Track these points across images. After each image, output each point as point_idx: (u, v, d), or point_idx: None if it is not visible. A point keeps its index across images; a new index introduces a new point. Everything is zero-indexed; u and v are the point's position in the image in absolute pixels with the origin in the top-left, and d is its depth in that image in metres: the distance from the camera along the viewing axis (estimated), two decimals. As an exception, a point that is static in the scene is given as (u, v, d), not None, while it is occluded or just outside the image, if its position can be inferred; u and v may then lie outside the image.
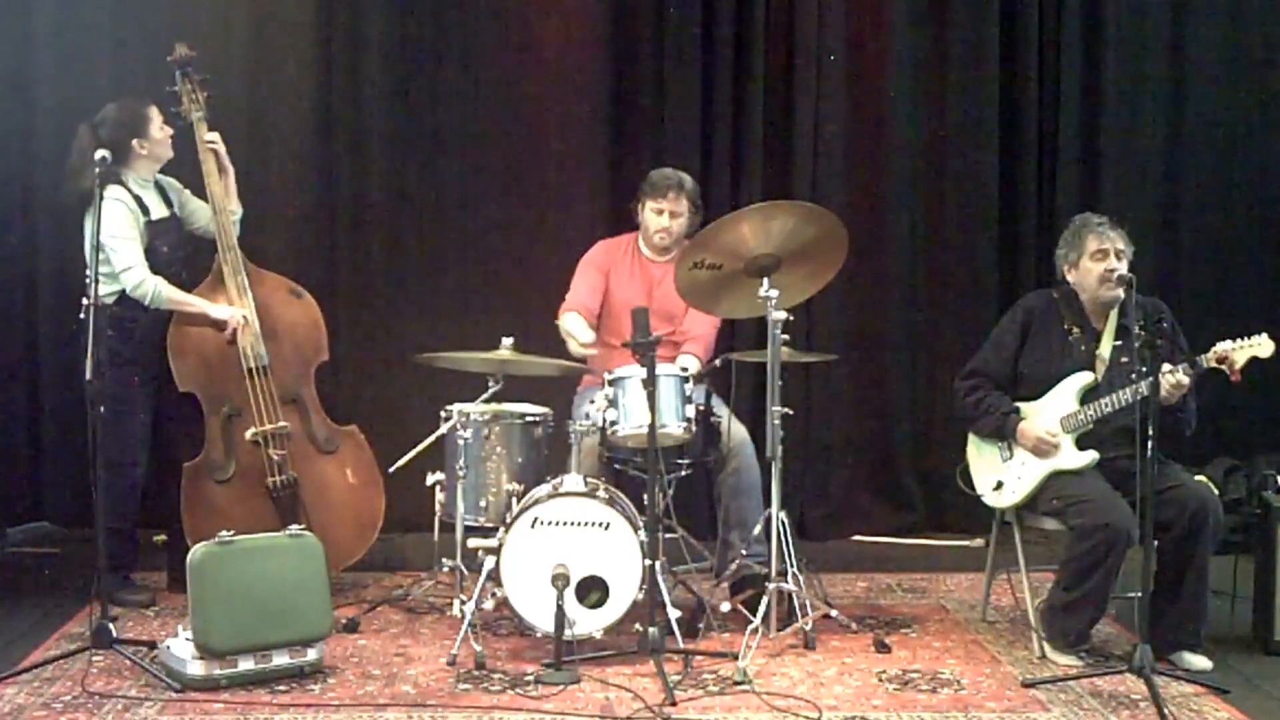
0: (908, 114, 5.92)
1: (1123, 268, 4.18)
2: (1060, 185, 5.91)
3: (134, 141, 4.62)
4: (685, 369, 4.45)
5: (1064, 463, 4.18)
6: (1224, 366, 3.97)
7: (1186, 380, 3.98)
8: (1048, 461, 4.19)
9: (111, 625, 3.89)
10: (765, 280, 4.19)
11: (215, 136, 4.76)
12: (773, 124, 5.82)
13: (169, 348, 4.62)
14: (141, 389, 4.64)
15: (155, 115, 4.67)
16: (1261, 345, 3.95)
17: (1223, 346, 3.98)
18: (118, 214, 4.50)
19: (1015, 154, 5.92)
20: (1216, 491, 5.45)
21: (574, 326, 4.74)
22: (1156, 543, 4.00)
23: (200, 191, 4.79)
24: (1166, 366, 3.97)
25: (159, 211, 4.71)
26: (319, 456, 4.79)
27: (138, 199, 4.63)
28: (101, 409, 3.86)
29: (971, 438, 4.45)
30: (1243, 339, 3.96)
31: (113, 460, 4.35)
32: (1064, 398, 4.23)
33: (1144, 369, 4.00)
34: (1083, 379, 4.23)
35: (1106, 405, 4.11)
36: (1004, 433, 4.29)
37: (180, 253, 4.74)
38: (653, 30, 5.78)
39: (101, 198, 4.05)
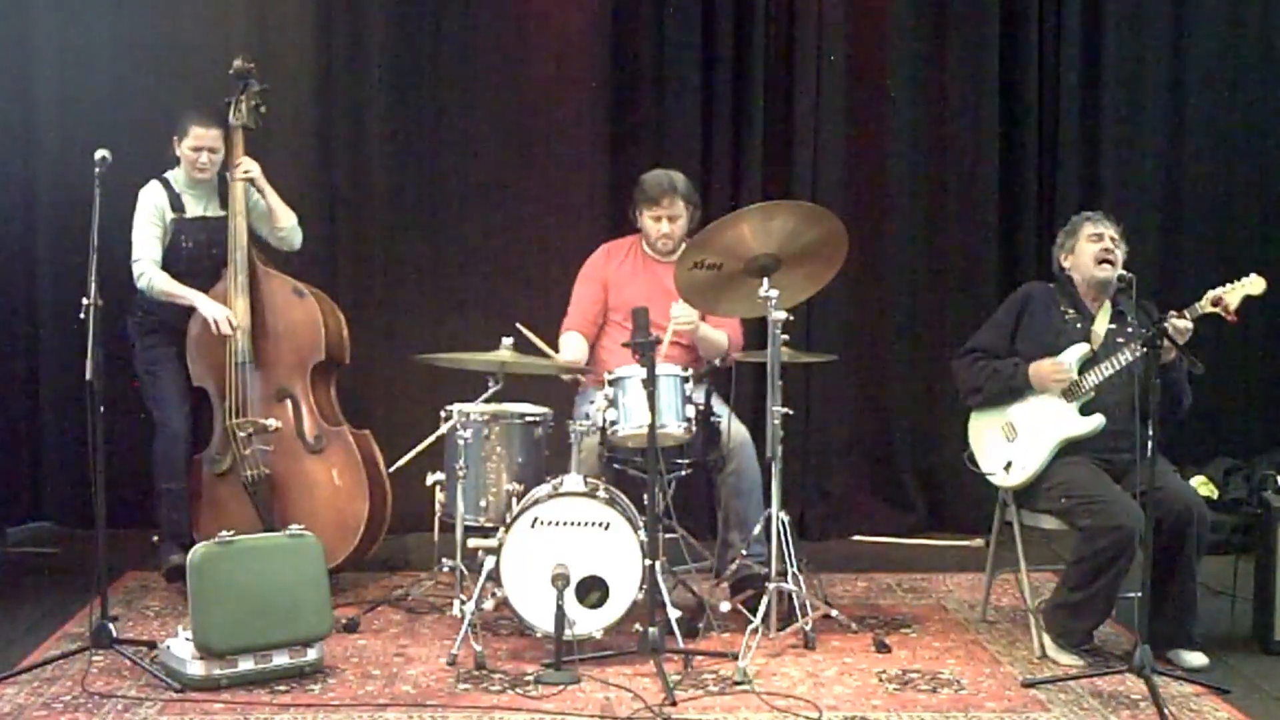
0: (908, 114, 5.92)
1: (1118, 254, 4.26)
2: (1060, 185, 5.91)
3: (174, 139, 4.81)
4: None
5: (1071, 429, 4.18)
6: (1219, 309, 4.02)
7: (1188, 324, 4.00)
8: (1056, 431, 4.19)
9: (111, 625, 3.89)
10: (765, 280, 4.19)
11: (246, 167, 4.81)
12: (773, 124, 5.82)
13: (188, 344, 4.81)
14: (172, 348, 4.83)
15: (193, 135, 4.75)
16: (1253, 283, 4.02)
17: (1216, 291, 4.03)
18: (140, 207, 4.77)
19: (1015, 154, 5.92)
20: (1215, 491, 5.48)
21: (566, 353, 4.74)
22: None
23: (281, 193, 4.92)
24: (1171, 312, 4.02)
25: (199, 210, 4.84)
26: (306, 456, 4.81)
27: (176, 196, 4.80)
28: (102, 408, 3.87)
29: (972, 426, 4.44)
30: (1233, 281, 4.03)
31: (155, 421, 4.77)
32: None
33: (1141, 346, 4.00)
34: (1080, 349, 4.26)
35: (1106, 368, 4.15)
36: (1016, 384, 4.27)
37: (217, 250, 4.82)
38: (653, 30, 5.78)
39: (98, 197, 4.06)
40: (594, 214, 5.70)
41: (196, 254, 4.81)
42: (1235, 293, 4.01)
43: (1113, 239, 4.30)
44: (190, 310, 4.76)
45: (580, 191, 5.80)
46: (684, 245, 4.63)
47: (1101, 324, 4.31)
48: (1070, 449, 4.20)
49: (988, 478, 4.37)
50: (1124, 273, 4.01)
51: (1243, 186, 6.02)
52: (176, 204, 4.80)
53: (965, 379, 4.42)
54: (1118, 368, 4.12)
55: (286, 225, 4.90)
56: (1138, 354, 4.02)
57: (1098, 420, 4.16)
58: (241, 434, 4.72)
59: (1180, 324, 3.99)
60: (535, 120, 5.80)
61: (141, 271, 4.72)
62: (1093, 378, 4.17)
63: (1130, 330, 4.25)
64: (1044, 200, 5.93)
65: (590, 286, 4.87)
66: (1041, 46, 5.88)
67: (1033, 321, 4.37)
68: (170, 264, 4.77)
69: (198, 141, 4.76)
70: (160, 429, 4.80)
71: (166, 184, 4.81)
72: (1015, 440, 4.30)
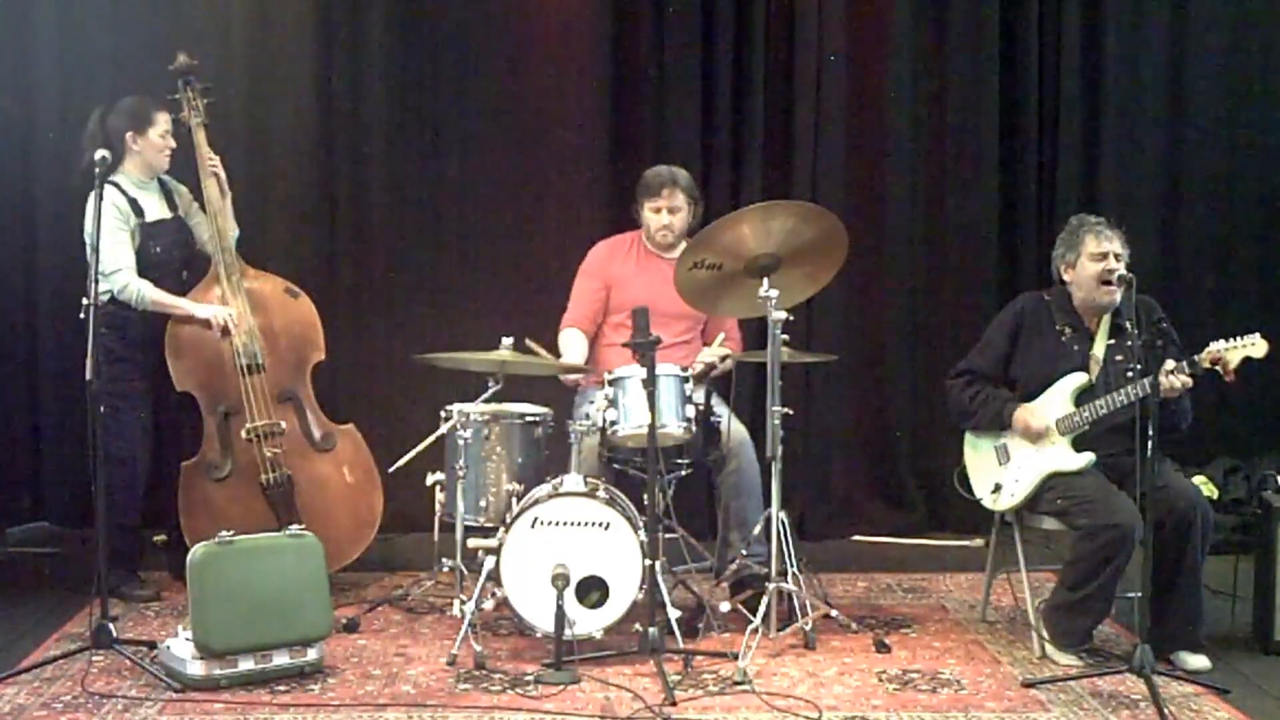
0: (908, 114, 5.92)
1: (1120, 269, 4.18)
2: (1060, 184, 5.91)
3: (129, 135, 4.65)
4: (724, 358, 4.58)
5: (1061, 464, 4.18)
6: (1218, 367, 3.97)
7: (1189, 382, 3.98)
8: (1045, 464, 4.19)
9: (111, 625, 3.89)
10: (765, 280, 4.19)
11: (216, 161, 4.77)
12: (773, 124, 5.82)
13: (166, 348, 4.65)
14: (139, 384, 4.67)
15: (162, 121, 4.68)
16: (1255, 345, 3.95)
17: (1216, 347, 3.97)
18: (106, 215, 4.43)
19: (1015, 153, 5.92)
20: (1215, 492, 5.48)
21: (567, 350, 4.73)
22: (1149, 541, 4.01)
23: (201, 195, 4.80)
24: (1169, 364, 3.97)
25: (156, 213, 4.73)
26: (315, 455, 4.79)
27: (133, 200, 4.65)
28: (101, 408, 3.87)
29: (967, 441, 4.45)
30: (1236, 339, 3.97)
31: (113, 456, 4.41)
32: (1059, 399, 4.23)
33: (1140, 368, 4.01)
34: (1077, 380, 4.23)
35: (1102, 406, 4.11)
36: (1003, 420, 4.27)
37: (178, 253, 4.75)
38: (653, 30, 5.78)
39: (100, 198, 4.05)
40: (594, 214, 5.69)
41: (165, 259, 4.68)
42: (1235, 353, 3.94)
43: (1117, 256, 4.21)
44: (165, 317, 4.61)
45: (580, 191, 5.80)
46: (684, 245, 4.64)
47: (1100, 343, 4.28)
48: None
49: (977, 500, 4.39)
50: (1124, 273, 4.00)
51: (1243, 186, 6.02)
52: (135, 208, 4.64)
53: (957, 403, 4.41)
54: (1113, 408, 4.08)
55: (235, 233, 4.78)
56: (1135, 397, 3.98)
57: (1088, 458, 4.15)
58: (252, 437, 4.65)
59: (1178, 381, 3.96)
60: (535, 120, 5.80)
61: (125, 283, 4.53)
62: (1088, 413, 4.13)
63: (1130, 344, 4.19)
64: (1044, 200, 5.92)
65: (591, 282, 4.87)
66: (1041, 47, 5.88)
67: (1029, 345, 4.34)
68: (141, 272, 4.60)
69: (165, 127, 4.68)
70: (118, 465, 4.50)
71: (119, 187, 4.60)
72: (1007, 465, 4.30)
